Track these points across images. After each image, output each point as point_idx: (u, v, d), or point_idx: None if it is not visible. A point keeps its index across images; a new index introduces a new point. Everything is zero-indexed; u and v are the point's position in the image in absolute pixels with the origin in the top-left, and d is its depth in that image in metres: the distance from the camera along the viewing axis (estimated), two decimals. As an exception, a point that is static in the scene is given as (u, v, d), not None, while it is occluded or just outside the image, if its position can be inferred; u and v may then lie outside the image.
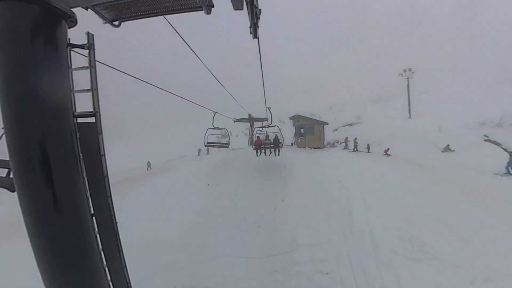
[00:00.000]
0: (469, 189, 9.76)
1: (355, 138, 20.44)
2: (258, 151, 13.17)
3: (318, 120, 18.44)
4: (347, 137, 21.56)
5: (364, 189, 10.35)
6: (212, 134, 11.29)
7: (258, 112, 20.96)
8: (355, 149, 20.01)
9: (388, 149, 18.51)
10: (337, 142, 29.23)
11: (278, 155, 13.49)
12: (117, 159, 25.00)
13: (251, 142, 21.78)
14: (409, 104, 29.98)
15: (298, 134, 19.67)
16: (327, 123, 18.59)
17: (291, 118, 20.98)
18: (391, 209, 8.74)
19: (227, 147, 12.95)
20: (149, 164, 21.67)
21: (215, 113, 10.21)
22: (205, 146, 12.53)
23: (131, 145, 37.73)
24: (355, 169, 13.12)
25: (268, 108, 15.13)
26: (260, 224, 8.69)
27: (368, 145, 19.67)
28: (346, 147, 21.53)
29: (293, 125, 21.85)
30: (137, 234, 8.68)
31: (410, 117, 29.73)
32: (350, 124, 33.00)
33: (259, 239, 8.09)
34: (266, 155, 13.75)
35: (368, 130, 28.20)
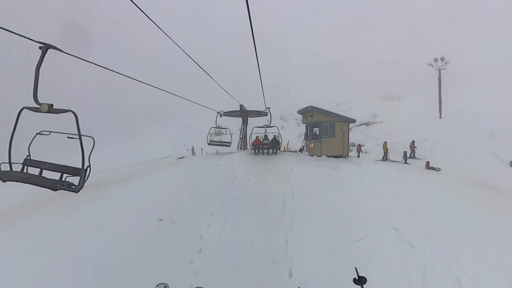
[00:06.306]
0: None
1: (385, 143, 15.32)
2: (257, 150, 13.48)
3: (340, 116, 12.39)
4: (413, 141, 15.69)
5: (443, 245, 5.48)
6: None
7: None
8: (385, 158, 14.97)
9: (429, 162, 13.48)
10: (352, 145, 24.20)
11: (275, 153, 13.36)
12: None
13: (243, 144, 16.68)
14: (439, 102, 24.81)
15: (310, 136, 13.03)
16: (354, 120, 12.73)
17: (300, 112, 14.40)
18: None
19: None
20: None
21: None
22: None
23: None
24: (405, 196, 8.19)
25: (268, 108, 14.06)
26: None
27: (405, 153, 14.58)
28: (413, 155, 15.34)
29: (304, 122, 15.03)
30: None
31: (440, 117, 24.64)
32: (367, 124, 27.91)
33: None
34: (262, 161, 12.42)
35: (391, 131, 23.23)
